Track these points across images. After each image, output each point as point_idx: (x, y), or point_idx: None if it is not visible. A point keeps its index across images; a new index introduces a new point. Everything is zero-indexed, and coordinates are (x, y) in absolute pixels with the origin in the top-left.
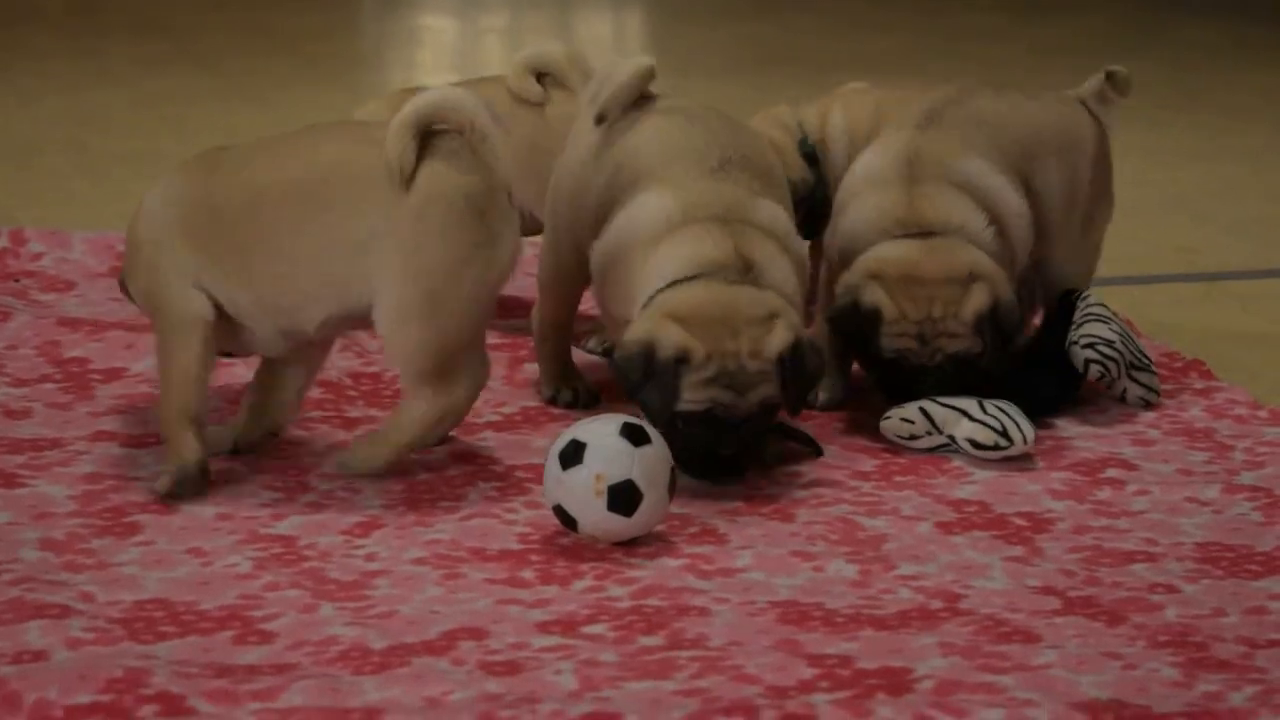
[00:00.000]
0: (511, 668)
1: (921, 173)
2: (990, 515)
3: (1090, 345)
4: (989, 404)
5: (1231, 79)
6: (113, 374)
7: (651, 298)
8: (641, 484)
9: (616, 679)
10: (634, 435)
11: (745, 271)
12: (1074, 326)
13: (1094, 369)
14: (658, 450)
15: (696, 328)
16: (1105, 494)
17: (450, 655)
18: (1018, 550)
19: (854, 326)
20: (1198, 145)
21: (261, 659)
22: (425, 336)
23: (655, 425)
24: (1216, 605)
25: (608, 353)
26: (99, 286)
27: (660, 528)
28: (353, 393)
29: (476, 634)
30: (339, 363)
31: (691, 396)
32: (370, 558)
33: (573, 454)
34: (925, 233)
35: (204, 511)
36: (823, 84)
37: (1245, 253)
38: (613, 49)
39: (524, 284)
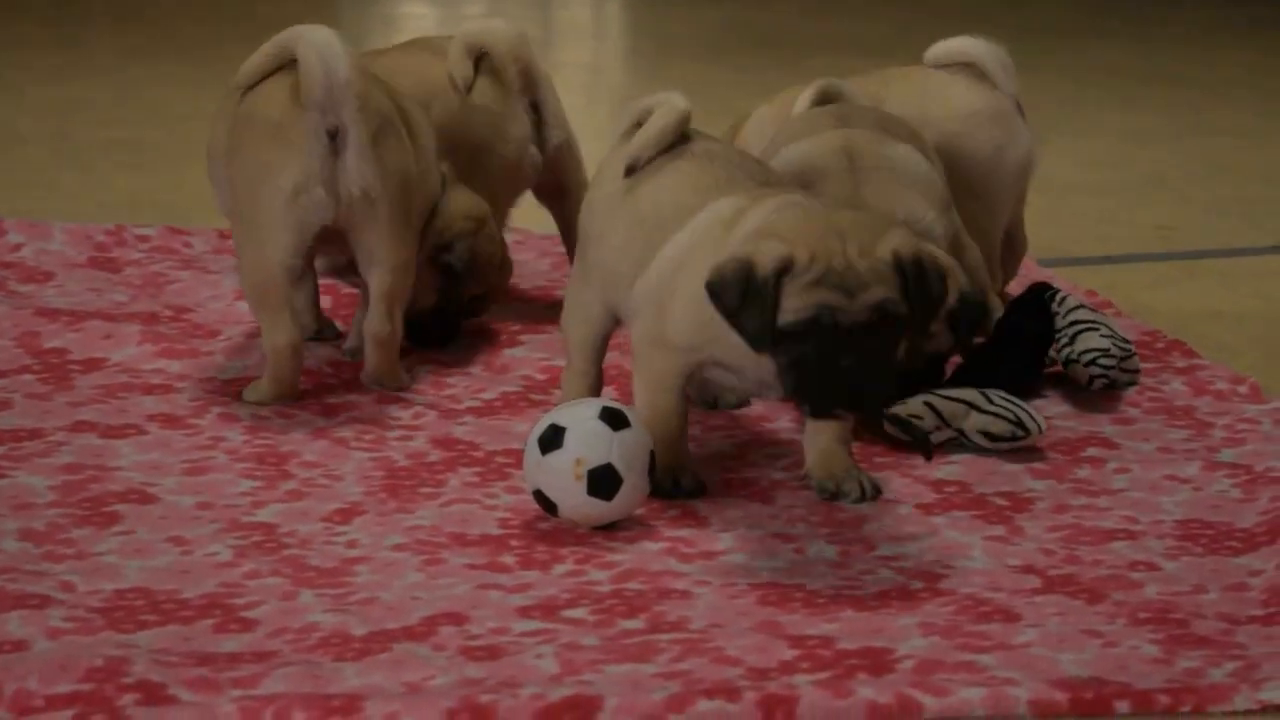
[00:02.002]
0: (492, 652)
1: (861, 164)
2: (970, 495)
3: (1093, 362)
4: (993, 395)
5: (1209, 58)
6: (92, 364)
7: None
8: (621, 468)
9: (597, 662)
10: (613, 419)
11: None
12: (1065, 340)
13: (1098, 383)
14: (637, 434)
15: (800, 237)
16: (1085, 472)
17: (431, 641)
18: (998, 530)
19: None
20: (1176, 124)
21: (242, 647)
22: (240, 254)
23: (758, 349)
24: (1197, 582)
25: None
26: (77, 277)
27: (640, 511)
28: (333, 380)
29: (457, 619)
30: (319, 351)
31: (795, 304)
32: (351, 544)
33: (552, 438)
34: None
35: (184, 500)
36: (805, 68)
37: (1224, 231)
38: (592, 35)
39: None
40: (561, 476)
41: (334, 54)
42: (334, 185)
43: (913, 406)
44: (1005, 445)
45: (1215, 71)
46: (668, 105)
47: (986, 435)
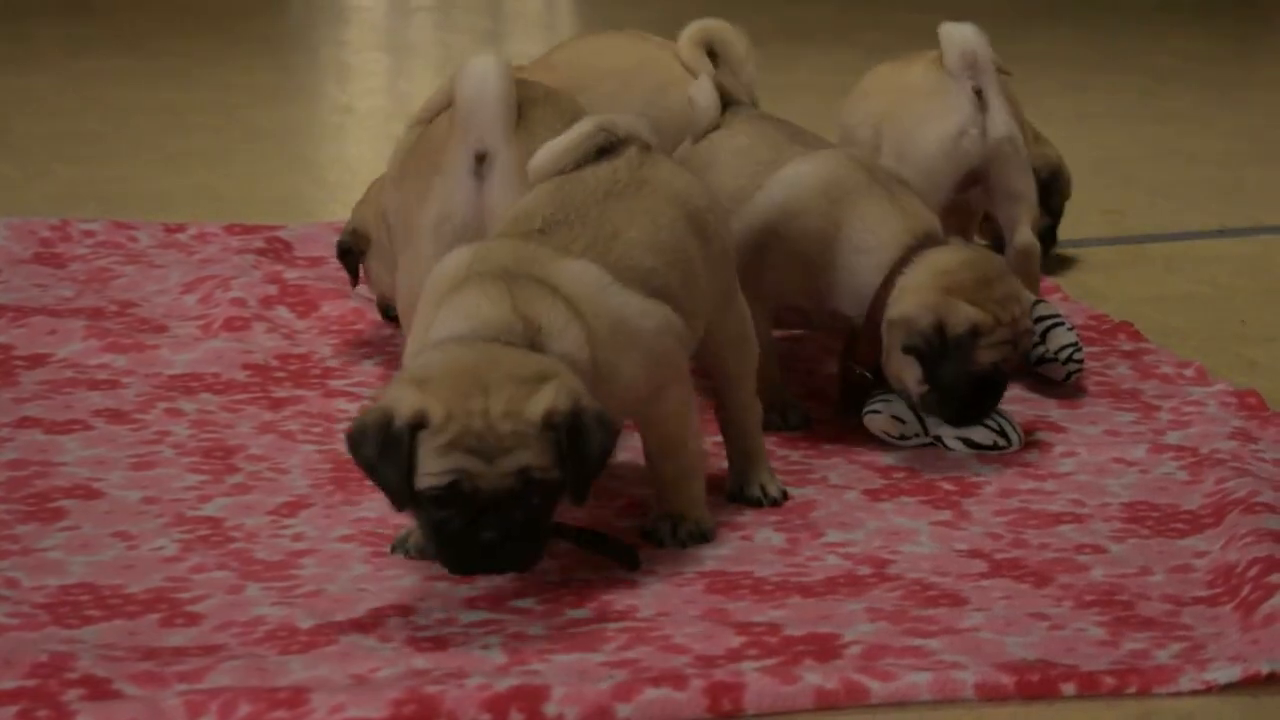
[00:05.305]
0: (439, 643)
1: (879, 176)
2: (918, 481)
3: (1070, 358)
4: None
5: (1155, 42)
6: (36, 359)
7: None
8: None
9: (544, 651)
10: None
11: (529, 334)
12: (1035, 339)
13: (1073, 377)
14: None
15: (439, 388)
16: (1033, 456)
17: (378, 632)
18: (945, 514)
19: (941, 347)
20: (1123, 108)
21: (188, 641)
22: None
23: (398, 509)
24: (1142, 564)
25: None
26: (21, 272)
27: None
28: (280, 374)
29: (404, 611)
30: (265, 344)
31: (432, 468)
32: (297, 537)
33: None
34: (933, 239)
35: (130, 495)
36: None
37: (1171, 215)
38: (544, 26)
39: None
40: None
41: (484, 78)
42: (480, 211)
43: (896, 407)
44: (988, 453)
45: (1162, 57)
46: (582, 123)
47: (967, 442)
